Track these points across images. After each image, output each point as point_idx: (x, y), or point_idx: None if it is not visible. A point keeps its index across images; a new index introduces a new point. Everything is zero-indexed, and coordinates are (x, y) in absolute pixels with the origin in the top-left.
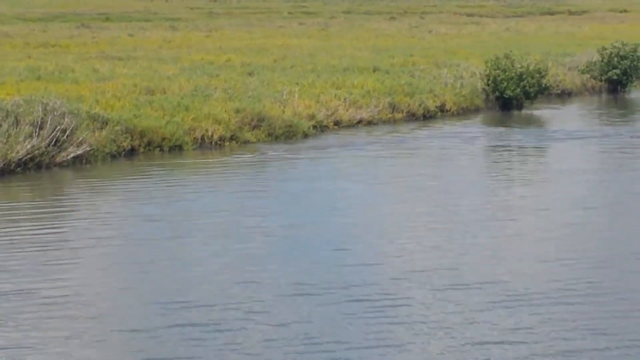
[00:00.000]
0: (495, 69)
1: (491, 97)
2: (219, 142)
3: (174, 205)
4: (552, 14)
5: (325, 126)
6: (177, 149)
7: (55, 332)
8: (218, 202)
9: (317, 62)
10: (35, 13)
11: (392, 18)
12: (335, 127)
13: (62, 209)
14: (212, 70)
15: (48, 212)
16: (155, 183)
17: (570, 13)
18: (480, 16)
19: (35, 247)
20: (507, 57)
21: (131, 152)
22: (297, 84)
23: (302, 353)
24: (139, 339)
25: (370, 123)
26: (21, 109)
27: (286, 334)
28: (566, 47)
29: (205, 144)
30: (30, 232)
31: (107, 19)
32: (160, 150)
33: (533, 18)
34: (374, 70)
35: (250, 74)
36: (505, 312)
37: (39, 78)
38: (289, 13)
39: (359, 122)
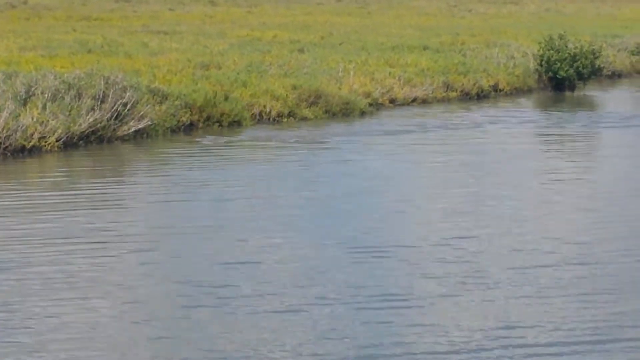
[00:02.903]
0: (548, 49)
1: (544, 77)
2: (277, 118)
3: (228, 173)
4: None
5: (380, 104)
6: (235, 124)
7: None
8: (274, 173)
9: (364, 40)
10: None
11: None
12: (391, 105)
13: (124, 175)
14: (261, 46)
15: (110, 177)
16: (214, 155)
17: None
18: None
19: (96, 207)
20: (561, 37)
21: (190, 127)
22: (351, 61)
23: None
24: (194, 289)
25: (424, 101)
26: (83, 82)
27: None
28: (611, 28)
29: (263, 120)
30: (92, 193)
31: None
32: (219, 126)
33: None
34: (424, 49)
35: (301, 51)
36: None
37: (89, 51)
38: None
39: (414, 100)
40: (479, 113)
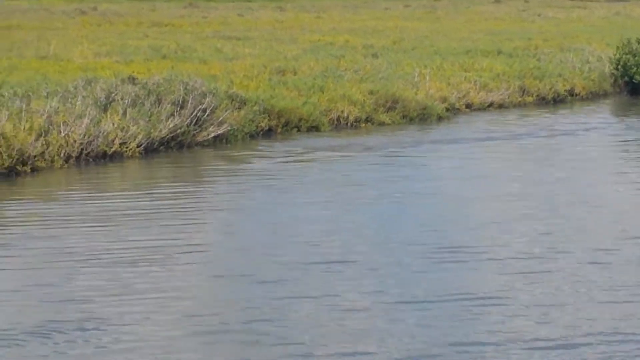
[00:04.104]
0: (625, 54)
1: (619, 81)
2: (354, 124)
3: (306, 177)
4: None
5: (457, 109)
6: (313, 129)
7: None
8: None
9: (437, 45)
10: None
11: (497, 1)
12: (467, 109)
13: (205, 180)
14: (334, 51)
15: (191, 182)
16: (293, 160)
17: None
18: (582, 0)
19: (178, 211)
20: (638, 41)
21: (269, 132)
22: (426, 66)
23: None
24: (272, 289)
25: (501, 106)
26: (162, 88)
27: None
28: None
29: (340, 125)
30: (174, 195)
31: None
32: (297, 131)
33: (637, 3)
34: (498, 53)
35: (375, 56)
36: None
37: (164, 57)
38: None
39: (490, 105)
40: (556, 118)
